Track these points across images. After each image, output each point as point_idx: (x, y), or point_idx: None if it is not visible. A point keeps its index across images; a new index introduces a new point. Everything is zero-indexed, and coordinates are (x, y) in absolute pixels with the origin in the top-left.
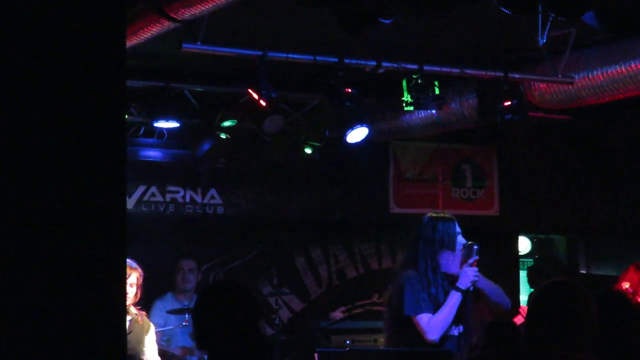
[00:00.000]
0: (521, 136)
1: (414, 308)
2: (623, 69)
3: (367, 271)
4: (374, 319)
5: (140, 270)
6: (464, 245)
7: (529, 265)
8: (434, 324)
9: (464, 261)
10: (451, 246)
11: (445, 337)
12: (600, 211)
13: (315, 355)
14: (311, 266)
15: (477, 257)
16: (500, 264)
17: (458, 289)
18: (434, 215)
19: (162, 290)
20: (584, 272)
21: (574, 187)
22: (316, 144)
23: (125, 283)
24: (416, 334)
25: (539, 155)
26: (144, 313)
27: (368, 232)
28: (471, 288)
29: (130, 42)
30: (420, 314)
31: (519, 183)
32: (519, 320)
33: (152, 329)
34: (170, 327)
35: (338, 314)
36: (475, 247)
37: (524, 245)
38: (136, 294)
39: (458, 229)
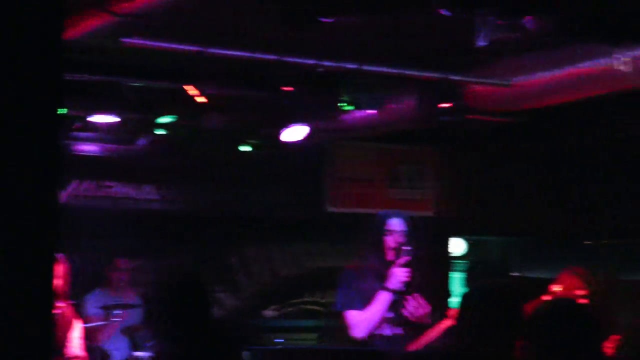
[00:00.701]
0: (459, 138)
1: (343, 304)
2: (562, 73)
3: (301, 270)
4: (306, 318)
5: (67, 263)
6: (396, 248)
7: (467, 266)
8: (358, 321)
9: (395, 261)
10: (379, 244)
11: (375, 336)
12: (536, 214)
13: (246, 353)
14: (245, 264)
15: (407, 258)
16: (433, 265)
17: (387, 289)
18: (383, 212)
19: (92, 286)
20: (517, 274)
21: (511, 190)
22: (253, 141)
23: (53, 278)
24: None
25: (476, 158)
26: (71, 308)
27: (303, 231)
28: (402, 288)
29: (69, 36)
30: (349, 310)
31: (455, 185)
32: (446, 323)
33: (79, 324)
34: (102, 323)
35: (270, 312)
36: (406, 248)
37: (460, 246)
38: (63, 287)
39: (397, 227)
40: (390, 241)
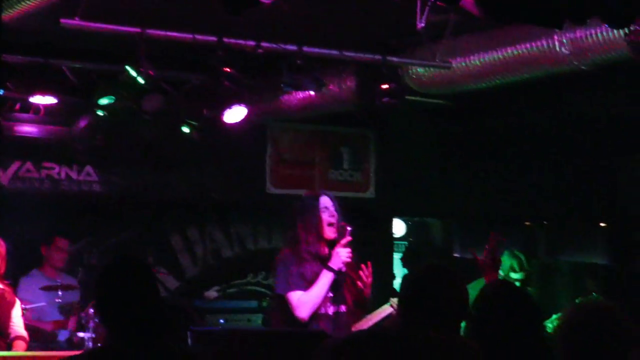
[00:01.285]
0: (399, 120)
1: (284, 286)
2: (500, 55)
3: (243, 251)
4: (248, 299)
5: (3, 243)
6: (337, 226)
7: (405, 247)
8: (303, 301)
9: (337, 242)
10: (316, 222)
11: (318, 315)
12: (475, 196)
13: (189, 334)
14: (187, 246)
15: (349, 238)
16: (374, 246)
17: (330, 269)
18: (309, 193)
19: (31, 266)
20: (457, 255)
21: (450, 172)
22: (194, 123)
23: None
24: (291, 312)
25: (416, 140)
26: (10, 288)
27: (244, 213)
28: (343, 268)
29: (8, 17)
30: (291, 291)
31: (395, 166)
32: (389, 309)
33: (18, 304)
34: (42, 304)
35: (212, 293)
36: (349, 228)
37: (400, 228)
38: (1, 269)
39: (329, 204)
40: (325, 217)
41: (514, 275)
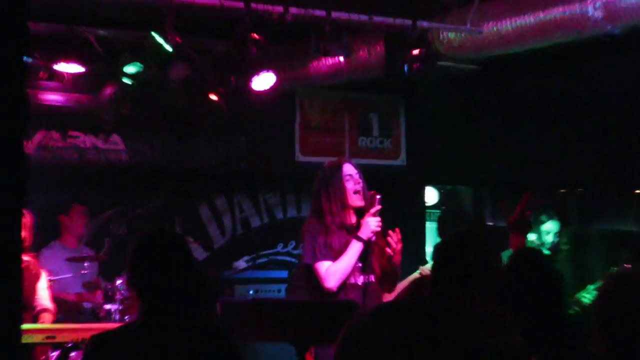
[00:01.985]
0: (428, 86)
1: (312, 256)
2: (532, 19)
3: (272, 221)
4: (278, 269)
5: (28, 214)
6: (368, 195)
7: (439, 215)
8: (331, 272)
9: (366, 211)
10: (340, 191)
11: (347, 286)
12: (506, 163)
13: (218, 305)
14: (215, 215)
15: (379, 207)
16: (406, 215)
17: (359, 238)
18: (331, 162)
19: (54, 238)
20: (490, 223)
21: (482, 139)
22: (221, 91)
23: (20, 230)
24: (319, 282)
25: (447, 106)
26: (36, 260)
27: (273, 181)
28: (373, 238)
29: None
30: (319, 261)
31: (425, 133)
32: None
33: (44, 276)
34: (68, 276)
35: (241, 264)
36: (378, 196)
37: (432, 196)
38: (27, 240)
39: (353, 171)
40: (350, 185)
41: (547, 239)
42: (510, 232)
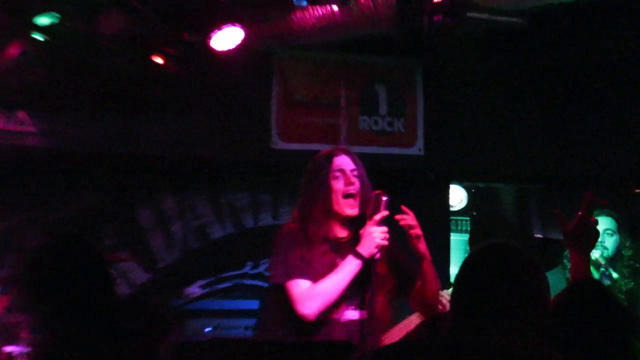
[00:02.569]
0: (455, 47)
1: (284, 272)
2: None
3: (239, 230)
4: (247, 297)
5: None
6: (371, 197)
7: (471, 224)
8: (311, 293)
9: (369, 218)
10: (324, 193)
11: (330, 321)
12: (562, 153)
13: (162, 347)
14: (161, 222)
15: (386, 213)
16: (424, 223)
17: (358, 255)
18: (322, 152)
19: None
20: (539, 235)
21: (528, 120)
22: (171, 52)
23: None
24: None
25: (481, 75)
26: None
27: (241, 176)
28: (377, 255)
29: None
30: (293, 279)
31: (451, 112)
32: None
33: None
34: None
35: (196, 290)
36: (385, 198)
37: (459, 197)
38: None
39: (347, 166)
40: (339, 186)
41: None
42: (568, 247)
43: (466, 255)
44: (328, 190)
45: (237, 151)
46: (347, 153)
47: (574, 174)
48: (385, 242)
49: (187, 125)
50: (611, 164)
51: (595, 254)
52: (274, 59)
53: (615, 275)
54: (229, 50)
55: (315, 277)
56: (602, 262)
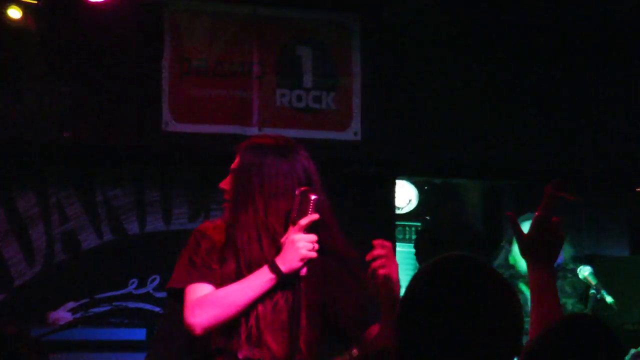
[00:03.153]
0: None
1: (185, 277)
2: None
3: (119, 237)
4: (130, 325)
5: None
6: (296, 195)
7: (419, 230)
8: (203, 300)
9: (292, 222)
10: (274, 188)
11: (230, 356)
12: (544, 141)
13: None
14: (17, 226)
15: (316, 216)
16: (362, 229)
17: (274, 269)
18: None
19: None
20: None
21: (500, 95)
22: (32, 2)
23: None
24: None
25: (439, 34)
26: None
27: (123, 166)
28: (302, 271)
29: None
30: (194, 282)
31: (398, 85)
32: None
33: None
34: None
35: (64, 315)
36: (314, 197)
37: (406, 195)
38: None
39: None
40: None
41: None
42: (525, 258)
43: (415, 272)
44: (289, 193)
45: (116, 134)
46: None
47: (559, 168)
48: (313, 254)
49: (50, 100)
50: (605, 157)
51: (584, 272)
52: (164, 12)
53: (609, 299)
54: (106, 1)
55: (224, 284)
56: (593, 281)
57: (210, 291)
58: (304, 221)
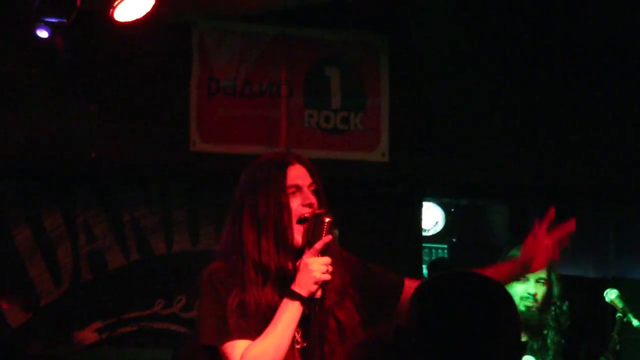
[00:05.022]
0: (433, 18)
1: (216, 332)
2: None
3: (146, 257)
4: (156, 344)
5: None
6: (309, 218)
7: (436, 258)
8: (252, 356)
9: (308, 246)
10: (279, 215)
11: None
12: (574, 160)
13: None
14: (42, 245)
15: (329, 238)
16: (389, 250)
17: (294, 296)
18: (267, 156)
19: None
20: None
21: (528, 114)
22: (60, 21)
23: None
24: None
25: (466, 55)
26: None
27: (149, 187)
28: (318, 294)
29: None
30: (230, 340)
31: (426, 105)
32: None
33: None
34: None
35: (90, 335)
36: (328, 220)
37: (433, 218)
38: None
39: (303, 180)
40: (294, 207)
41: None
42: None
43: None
44: (286, 211)
45: (143, 154)
46: (302, 161)
47: (588, 187)
48: (328, 277)
49: (77, 119)
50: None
51: (610, 295)
52: (193, 33)
53: (635, 322)
54: (134, 21)
55: (257, 327)
56: (620, 304)
57: (252, 345)
58: (318, 245)
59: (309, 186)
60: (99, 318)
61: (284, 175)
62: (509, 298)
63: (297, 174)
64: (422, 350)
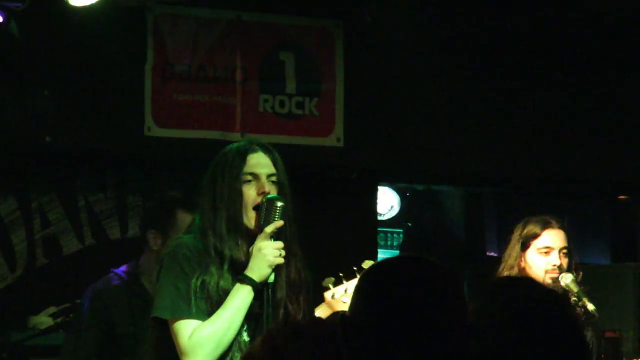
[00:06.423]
0: (390, 2)
1: (172, 307)
2: None
3: (101, 241)
4: None
5: None
6: (260, 203)
7: (402, 237)
8: (200, 338)
9: (258, 229)
10: (231, 201)
11: None
12: (529, 147)
13: None
14: None
15: (281, 223)
16: (344, 236)
17: (247, 280)
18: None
19: None
20: (492, 254)
21: (485, 101)
22: (14, 5)
23: None
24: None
25: (424, 40)
26: None
27: (105, 170)
28: (272, 278)
29: None
30: (183, 318)
31: (381, 91)
32: None
33: None
34: None
35: (45, 319)
36: (280, 204)
37: (388, 202)
38: None
39: (263, 169)
40: (252, 194)
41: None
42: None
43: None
44: (238, 197)
45: (98, 139)
46: (267, 151)
47: (542, 175)
48: (281, 260)
49: (32, 104)
50: (588, 165)
51: (565, 279)
52: (148, 17)
53: (590, 307)
54: (89, 6)
55: (212, 310)
56: (574, 289)
57: (202, 325)
58: (269, 228)
59: (268, 176)
60: (53, 303)
61: (243, 162)
62: (459, 284)
63: (257, 162)
64: (368, 338)
